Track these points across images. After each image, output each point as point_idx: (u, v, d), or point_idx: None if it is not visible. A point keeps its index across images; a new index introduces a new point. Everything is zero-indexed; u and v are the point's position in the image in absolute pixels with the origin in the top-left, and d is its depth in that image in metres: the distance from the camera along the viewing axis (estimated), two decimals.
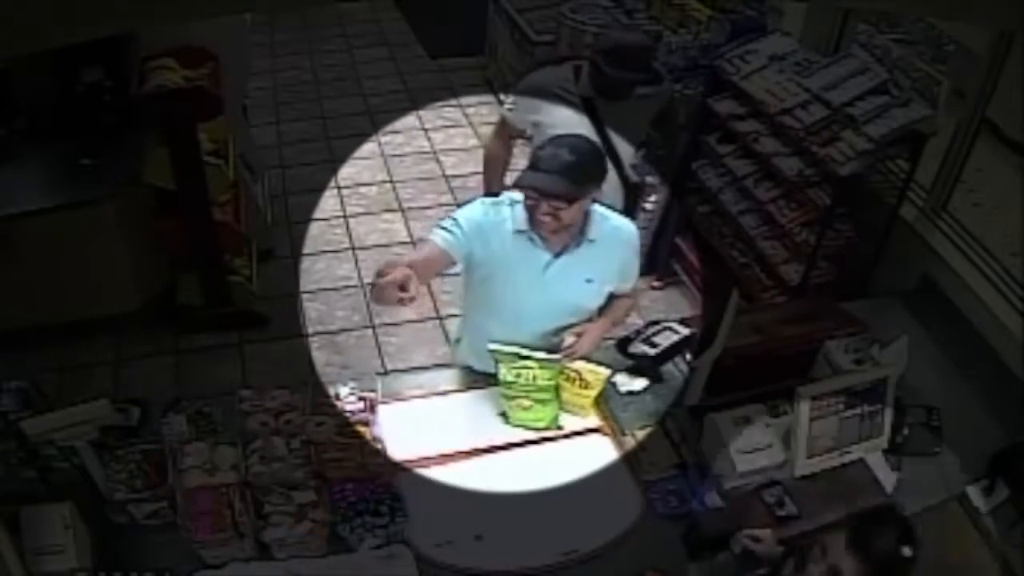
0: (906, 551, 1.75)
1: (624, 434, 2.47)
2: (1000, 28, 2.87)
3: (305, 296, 4.40)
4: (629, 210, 3.21)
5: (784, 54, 3.87)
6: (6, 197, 3.51)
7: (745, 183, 3.92)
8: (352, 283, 4.50)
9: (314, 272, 4.57)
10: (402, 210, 5.07)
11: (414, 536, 2.14)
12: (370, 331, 4.21)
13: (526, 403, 2.44)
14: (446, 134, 5.86)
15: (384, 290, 2.08)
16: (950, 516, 2.22)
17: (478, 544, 2.16)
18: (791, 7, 4.04)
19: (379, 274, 2.15)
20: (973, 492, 2.24)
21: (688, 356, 2.61)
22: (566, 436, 2.47)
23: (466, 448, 2.38)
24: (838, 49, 3.81)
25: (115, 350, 3.98)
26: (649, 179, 3.80)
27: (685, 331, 2.75)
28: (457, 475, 2.31)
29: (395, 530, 2.14)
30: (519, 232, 2.35)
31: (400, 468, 2.29)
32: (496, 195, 2.50)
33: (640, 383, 2.63)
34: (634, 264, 2.52)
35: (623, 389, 2.61)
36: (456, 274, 2.44)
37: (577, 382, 2.46)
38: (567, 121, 2.96)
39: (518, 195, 2.34)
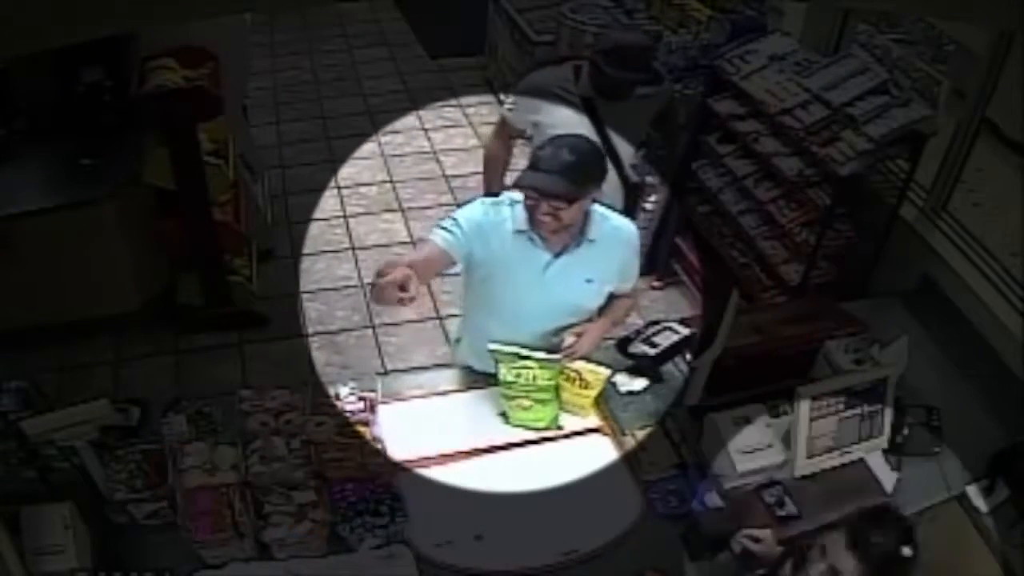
0: (906, 551, 1.75)
1: (624, 434, 2.47)
2: (1000, 28, 2.87)
3: (305, 296, 4.40)
4: (629, 210, 3.21)
5: (784, 54, 3.87)
6: (6, 197, 3.51)
7: (745, 183, 3.92)
8: (352, 283, 4.50)
9: (314, 272, 4.57)
10: (402, 210, 5.07)
11: (414, 536, 2.14)
12: (370, 331, 4.21)
13: (526, 403, 2.44)
14: (446, 134, 5.86)
15: (384, 290, 2.08)
16: (950, 516, 2.22)
17: (478, 544, 2.16)
18: (791, 7, 4.04)
19: (379, 274, 2.15)
20: (973, 492, 2.24)
21: (688, 356, 2.61)
22: (566, 436, 2.47)
23: (466, 448, 2.38)
24: (838, 49, 3.81)
25: (115, 350, 3.98)
26: (649, 179, 3.80)
27: (685, 331, 2.75)
28: (457, 475, 2.31)
29: (395, 530, 2.14)
30: (519, 232, 2.35)
31: (400, 468, 2.29)
32: (496, 195, 2.50)
33: (640, 383, 2.63)
34: (634, 264, 2.52)
35: (623, 389, 2.61)
36: (456, 274, 2.45)
37: (577, 382, 2.46)
38: (567, 121, 2.96)
39: (518, 195, 2.34)
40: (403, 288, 2.06)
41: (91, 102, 3.74)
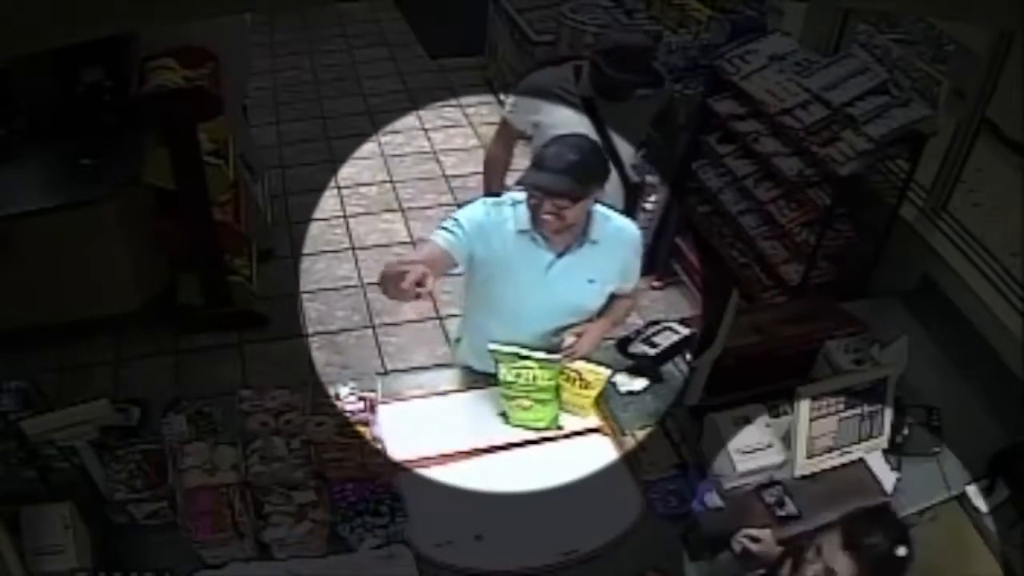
0: (900, 551, 1.75)
1: (624, 434, 2.47)
2: (1000, 28, 2.87)
3: (305, 296, 4.40)
4: (629, 210, 3.21)
5: (784, 54, 3.87)
6: (6, 197, 3.51)
7: (745, 183, 3.92)
8: (352, 283, 4.50)
9: (314, 272, 4.57)
10: (402, 210, 5.07)
11: (414, 536, 2.14)
12: (370, 331, 4.21)
13: (526, 403, 2.44)
14: (446, 134, 5.86)
15: (401, 287, 2.08)
16: (950, 516, 2.22)
17: (478, 544, 2.16)
18: (791, 7, 4.04)
19: (387, 275, 2.15)
20: (973, 492, 2.24)
21: (688, 356, 2.61)
22: (566, 436, 2.47)
23: (466, 448, 2.38)
24: (838, 49, 3.81)
25: (115, 350, 3.98)
26: (649, 179, 3.80)
27: (685, 331, 2.75)
28: (457, 475, 2.31)
29: (395, 530, 2.14)
30: (521, 232, 2.35)
31: (400, 468, 2.29)
32: (497, 195, 2.50)
33: (640, 383, 2.63)
34: (636, 265, 2.52)
35: (623, 389, 2.61)
36: (457, 274, 2.45)
37: (577, 382, 2.46)
38: (567, 121, 2.96)
39: (520, 195, 2.34)
40: (420, 284, 2.06)
41: (91, 102, 3.74)
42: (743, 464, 2.27)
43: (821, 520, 2.01)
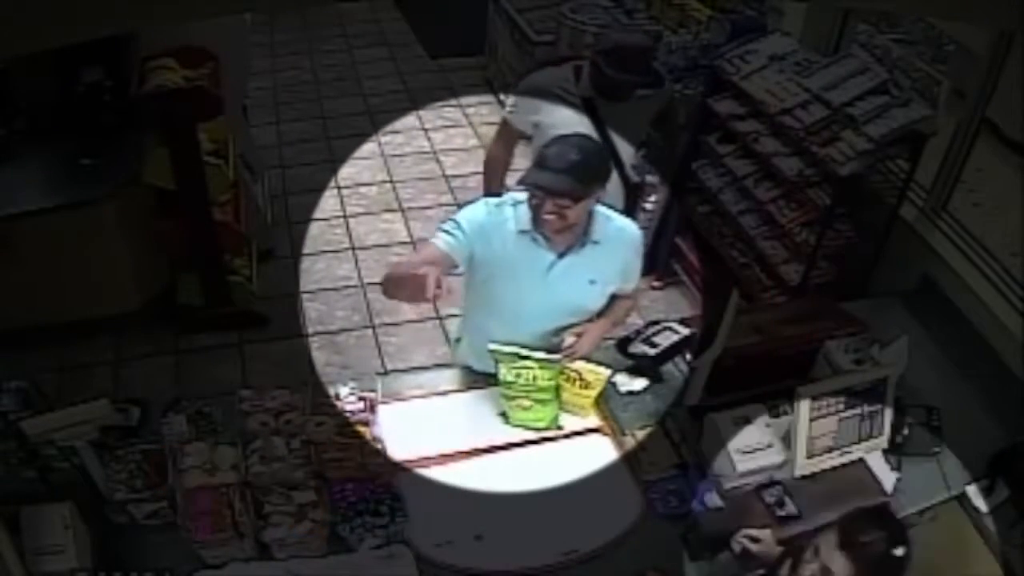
0: (898, 551, 1.75)
1: (624, 434, 2.47)
2: (1000, 28, 2.87)
3: (305, 296, 4.40)
4: (629, 210, 3.21)
5: (784, 54, 3.87)
6: (6, 197, 3.51)
7: (745, 183, 3.92)
8: (352, 283, 4.50)
9: (314, 272, 4.57)
10: (402, 210, 5.07)
11: (414, 536, 2.14)
12: (370, 331, 4.21)
13: (526, 403, 2.44)
14: (446, 134, 5.86)
15: (425, 296, 2.09)
16: (950, 516, 2.22)
17: (478, 544, 2.16)
18: (791, 7, 4.04)
19: (399, 278, 2.15)
20: (973, 492, 2.24)
21: (688, 356, 2.61)
22: (566, 436, 2.47)
23: (466, 448, 2.38)
24: (838, 49, 3.81)
25: (115, 350, 3.98)
26: (649, 179, 3.80)
27: (685, 331, 2.75)
28: (457, 475, 2.31)
29: (395, 530, 2.14)
30: (523, 232, 2.35)
31: (400, 468, 2.29)
32: (497, 196, 2.50)
33: (640, 383, 2.63)
34: (636, 265, 2.52)
35: (623, 389, 2.61)
36: (457, 274, 2.44)
37: (577, 382, 2.46)
38: (568, 121, 2.96)
39: (521, 195, 2.34)
40: (438, 286, 2.08)
41: (91, 102, 3.74)
42: (743, 464, 2.27)
43: (821, 520, 2.01)
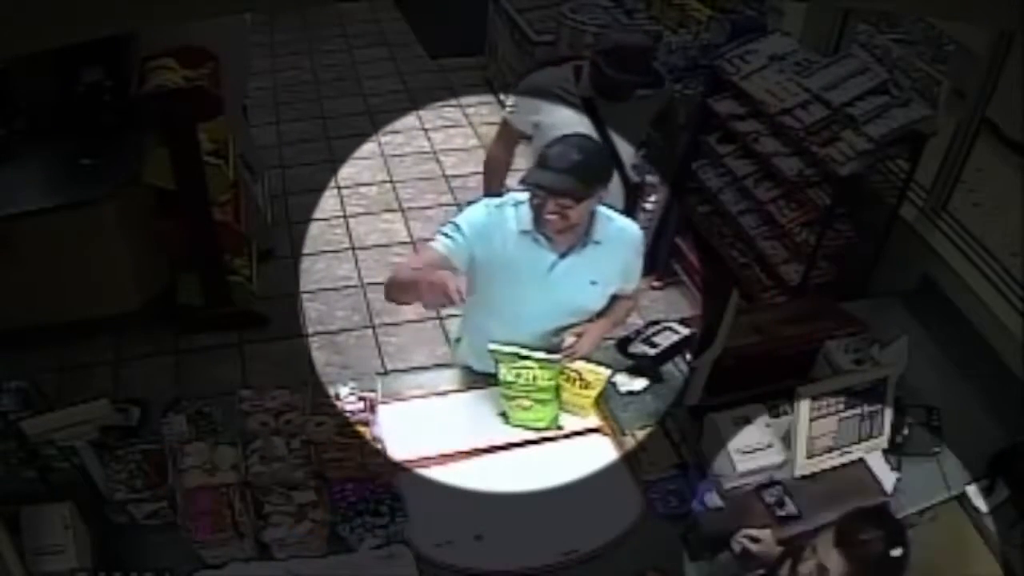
0: (895, 552, 1.75)
1: (624, 434, 2.47)
2: (1000, 28, 2.87)
3: (305, 296, 4.40)
4: (629, 210, 3.21)
5: (784, 54, 3.87)
6: (6, 197, 3.51)
7: (745, 183, 3.92)
8: (352, 283, 4.50)
9: (314, 272, 4.57)
10: (402, 210, 5.07)
11: (414, 536, 2.14)
12: (370, 331, 4.21)
13: (526, 403, 2.44)
14: (446, 134, 5.86)
15: (436, 295, 2.11)
16: (950, 516, 2.22)
17: (478, 544, 2.16)
18: (791, 7, 4.04)
19: (413, 282, 2.17)
20: (973, 492, 2.24)
21: (688, 356, 2.61)
22: (566, 436, 2.47)
23: (466, 448, 2.38)
24: (838, 49, 3.81)
25: (115, 350, 3.98)
26: (649, 179, 3.80)
27: (685, 331, 2.75)
28: (457, 475, 2.31)
29: (395, 530, 2.14)
30: (524, 233, 2.35)
31: (400, 468, 2.29)
32: (498, 196, 2.50)
33: (640, 383, 2.63)
34: (637, 266, 2.52)
35: (623, 389, 2.61)
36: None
37: (577, 382, 2.46)
38: (568, 121, 2.96)
39: (522, 195, 2.34)
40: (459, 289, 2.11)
41: (91, 102, 3.74)
42: (743, 464, 2.27)
43: (821, 520, 2.01)
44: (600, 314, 2.53)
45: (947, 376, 2.68)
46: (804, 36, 3.92)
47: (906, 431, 2.41)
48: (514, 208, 2.36)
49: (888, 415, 2.37)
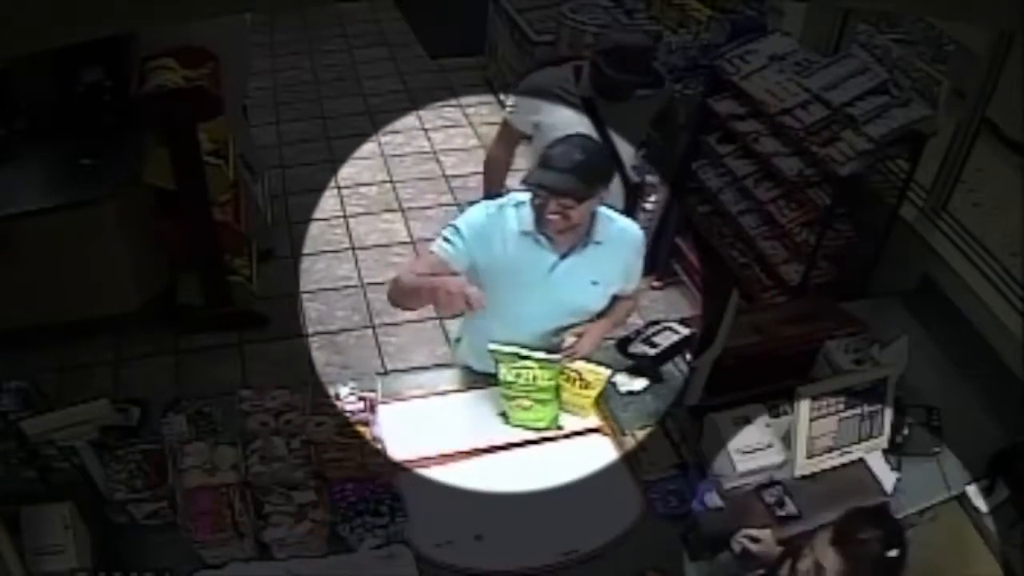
0: (891, 552, 1.75)
1: (624, 434, 2.47)
2: (1000, 28, 2.87)
3: (305, 296, 4.40)
4: (629, 210, 3.21)
5: (784, 54, 3.87)
6: (6, 197, 3.51)
7: (745, 183, 3.92)
8: (352, 283, 4.50)
9: (314, 272, 4.57)
10: (402, 210, 5.07)
11: (414, 536, 2.14)
12: (370, 331, 4.21)
13: (526, 403, 2.44)
14: (446, 134, 5.86)
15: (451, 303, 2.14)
16: (950, 516, 2.22)
17: (478, 544, 2.16)
18: (791, 7, 4.04)
19: (427, 289, 2.19)
20: (973, 492, 2.24)
21: (688, 356, 2.61)
22: (566, 436, 2.47)
23: (466, 448, 2.38)
24: (838, 49, 3.80)
25: (115, 350, 3.98)
26: (649, 179, 3.80)
27: (685, 331, 2.75)
28: (457, 475, 2.31)
29: (395, 530, 2.14)
30: (525, 233, 2.35)
31: (400, 468, 2.29)
32: (498, 196, 2.50)
33: (640, 383, 2.63)
34: (638, 266, 2.52)
35: (623, 389, 2.61)
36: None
37: (577, 382, 2.46)
38: (568, 122, 2.96)
39: (523, 196, 2.34)
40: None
41: (91, 102, 3.74)
42: (743, 464, 2.27)
43: (821, 520, 2.01)
44: (601, 314, 2.53)
45: (947, 376, 2.68)
46: (804, 36, 3.92)
47: (906, 431, 2.41)
48: (515, 209, 2.36)
49: (888, 415, 2.37)
